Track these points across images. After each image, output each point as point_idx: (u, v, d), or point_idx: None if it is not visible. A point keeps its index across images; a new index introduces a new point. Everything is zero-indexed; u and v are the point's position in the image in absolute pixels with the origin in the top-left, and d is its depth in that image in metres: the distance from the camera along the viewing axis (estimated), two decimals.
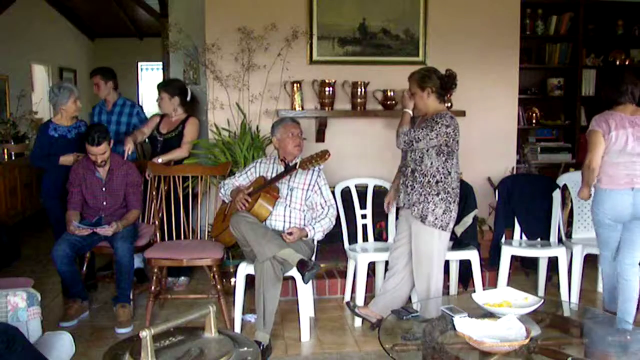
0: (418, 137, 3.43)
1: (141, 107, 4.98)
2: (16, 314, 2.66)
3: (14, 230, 5.80)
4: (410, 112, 3.59)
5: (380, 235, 4.47)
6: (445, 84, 3.54)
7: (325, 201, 3.83)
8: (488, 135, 5.09)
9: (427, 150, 3.46)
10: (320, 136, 4.81)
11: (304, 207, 3.78)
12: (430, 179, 3.47)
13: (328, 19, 4.78)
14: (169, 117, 4.62)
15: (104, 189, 4.05)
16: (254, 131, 4.64)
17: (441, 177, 3.47)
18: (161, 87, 4.63)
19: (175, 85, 4.66)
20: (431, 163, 3.47)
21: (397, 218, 3.94)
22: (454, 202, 3.53)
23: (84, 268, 4.32)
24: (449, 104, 4.87)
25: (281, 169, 3.84)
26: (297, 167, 3.56)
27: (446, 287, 4.48)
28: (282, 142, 3.85)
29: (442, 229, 3.49)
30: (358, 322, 3.86)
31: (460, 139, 4.96)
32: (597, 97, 6.08)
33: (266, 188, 3.73)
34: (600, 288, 4.53)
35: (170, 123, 4.59)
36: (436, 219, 3.46)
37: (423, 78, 3.53)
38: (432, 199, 3.46)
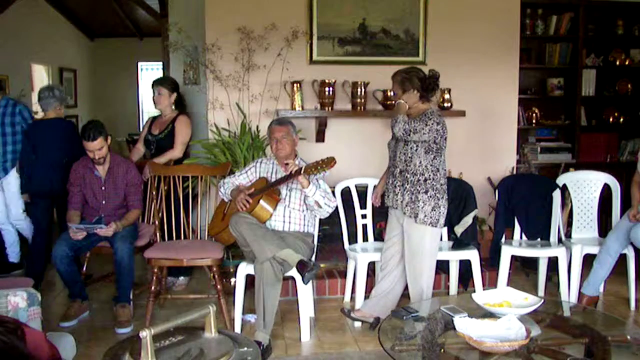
0: (415, 129, 3.43)
1: (25, 106, 4.75)
2: (17, 314, 2.66)
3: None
4: (404, 102, 3.55)
5: (380, 235, 4.45)
6: (427, 86, 3.53)
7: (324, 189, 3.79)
8: (488, 135, 5.09)
9: (416, 150, 3.47)
10: (320, 136, 4.81)
11: (303, 207, 3.78)
12: (420, 177, 3.49)
13: (328, 19, 4.78)
14: (161, 117, 4.59)
15: (103, 187, 4.05)
16: (254, 131, 4.63)
17: (430, 175, 3.49)
18: (160, 83, 4.56)
19: (172, 81, 4.65)
20: (420, 162, 3.48)
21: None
22: (443, 198, 3.55)
23: (84, 268, 4.33)
24: (449, 104, 4.88)
25: (281, 169, 3.83)
26: (302, 172, 3.53)
27: (446, 287, 4.50)
28: (270, 146, 3.86)
29: (433, 226, 3.51)
30: (358, 322, 3.87)
31: (461, 139, 5.02)
32: (597, 97, 6.09)
33: (267, 190, 3.72)
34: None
35: (162, 123, 4.56)
36: (425, 216, 3.48)
37: (403, 81, 3.54)
38: (422, 197, 3.48)
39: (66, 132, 4.53)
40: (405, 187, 3.53)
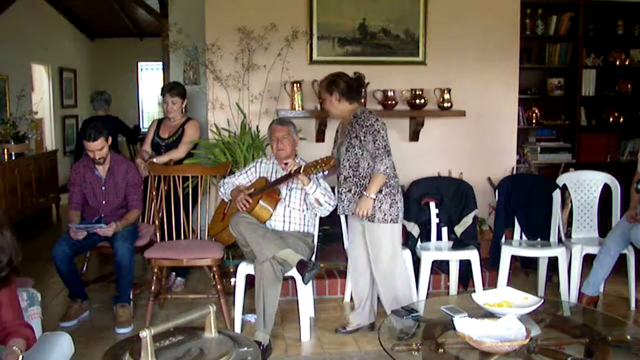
0: (381, 145, 3.43)
1: None
2: None
3: (14, 230, 5.79)
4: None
5: None
6: (351, 87, 3.58)
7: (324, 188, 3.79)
8: (488, 135, 5.09)
9: (362, 154, 3.48)
10: (320, 136, 4.80)
11: (303, 207, 3.78)
12: (369, 180, 3.49)
13: (328, 19, 4.78)
14: (168, 121, 4.58)
15: (103, 187, 4.05)
16: (254, 131, 4.63)
17: None
18: (176, 93, 4.48)
19: (182, 88, 4.59)
20: (367, 164, 3.49)
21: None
22: (398, 193, 3.56)
23: (84, 268, 4.33)
24: (449, 104, 4.87)
25: (281, 169, 3.83)
26: (301, 171, 3.53)
27: (446, 287, 4.50)
28: (270, 145, 3.86)
29: (394, 222, 3.52)
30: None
31: (461, 139, 5.02)
32: (597, 97, 6.09)
33: (267, 190, 3.72)
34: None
35: (171, 127, 4.55)
36: (385, 214, 3.49)
37: (329, 84, 3.59)
38: (377, 196, 3.48)
39: (115, 125, 5.76)
40: (356, 192, 3.53)
